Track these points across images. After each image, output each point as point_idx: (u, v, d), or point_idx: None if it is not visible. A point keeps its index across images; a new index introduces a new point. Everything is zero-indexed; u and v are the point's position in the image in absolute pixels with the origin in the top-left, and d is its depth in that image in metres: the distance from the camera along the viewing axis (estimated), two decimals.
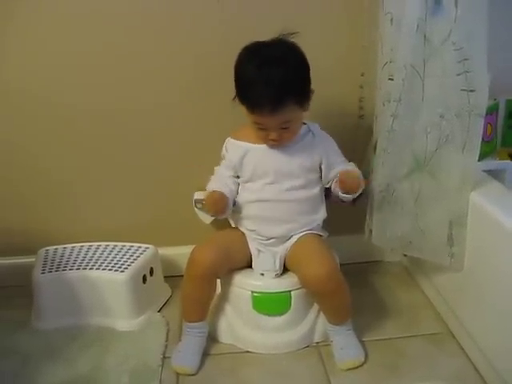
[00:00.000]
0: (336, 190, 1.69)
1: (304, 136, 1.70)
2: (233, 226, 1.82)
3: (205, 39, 1.85)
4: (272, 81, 1.53)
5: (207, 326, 1.72)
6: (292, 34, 1.60)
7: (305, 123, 1.72)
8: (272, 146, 1.67)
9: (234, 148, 1.73)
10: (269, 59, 1.57)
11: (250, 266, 1.74)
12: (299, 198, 1.70)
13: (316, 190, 1.73)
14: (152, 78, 1.90)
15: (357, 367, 1.64)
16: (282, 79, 1.54)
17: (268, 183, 1.69)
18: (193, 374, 1.63)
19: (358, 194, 1.67)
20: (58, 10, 1.81)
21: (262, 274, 1.71)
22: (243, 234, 1.76)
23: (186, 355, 1.66)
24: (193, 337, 1.69)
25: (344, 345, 1.67)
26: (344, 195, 1.66)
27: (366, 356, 1.67)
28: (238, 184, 1.74)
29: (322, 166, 1.71)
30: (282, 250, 1.72)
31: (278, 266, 1.71)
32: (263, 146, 1.69)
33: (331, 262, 1.64)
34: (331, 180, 1.71)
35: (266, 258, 1.72)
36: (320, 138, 1.71)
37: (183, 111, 1.93)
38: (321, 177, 1.72)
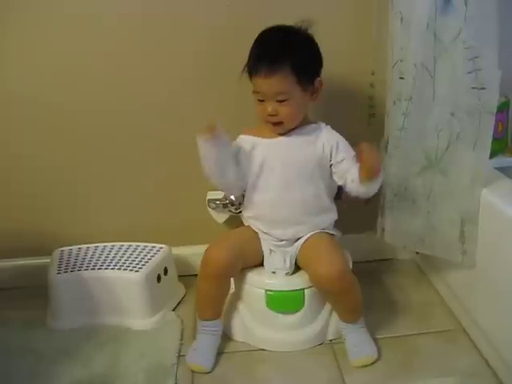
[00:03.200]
0: (351, 185, 1.65)
1: (313, 131, 1.71)
2: (245, 224, 1.83)
3: (209, 38, 1.87)
4: (271, 43, 1.62)
5: (222, 324, 1.73)
6: (308, 24, 1.65)
7: (315, 123, 1.73)
8: (280, 140, 1.68)
9: (244, 141, 1.74)
10: (276, 31, 1.64)
11: (262, 264, 1.75)
12: (309, 199, 1.70)
13: (325, 190, 1.73)
14: (160, 76, 1.92)
15: (370, 364, 1.64)
16: (280, 43, 1.61)
17: (278, 182, 1.69)
18: (208, 372, 1.64)
19: (376, 183, 1.61)
20: (54, 12, 1.83)
21: (274, 272, 1.72)
22: (256, 232, 1.78)
23: (200, 353, 1.67)
24: (207, 335, 1.70)
25: (357, 342, 1.68)
26: (362, 185, 1.60)
27: (379, 353, 1.68)
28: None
29: (332, 162, 1.70)
30: (293, 249, 1.73)
31: (288, 265, 1.72)
32: (272, 140, 1.69)
33: (341, 261, 1.64)
34: (343, 176, 1.68)
35: (277, 257, 1.73)
36: (328, 134, 1.71)
37: (196, 109, 1.94)
38: (331, 175, 1.72)
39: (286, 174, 1.69)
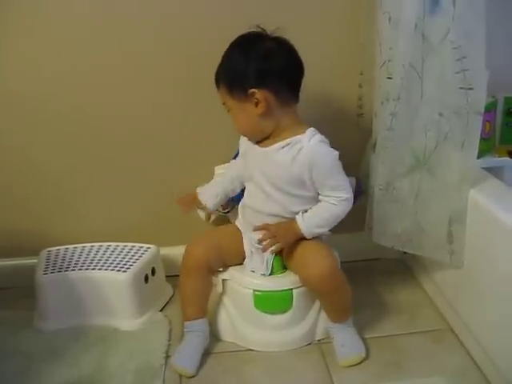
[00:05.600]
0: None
1: (294, 146, 1.61)
2: (235, 221, 1.83)
3: (203, 38, 1.86)
4: (222, 58, 1.63)
5: (207, 324, 1.72)
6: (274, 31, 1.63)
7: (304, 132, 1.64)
8: (261, 151, 1.66)
9: (243, 141, 1.76)
10: (233, 43, 1.64)
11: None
12: (291, 212, 1.67)
13: (313, 202, 1.67)
14: (151, 78, 1.91)
15: (358, 363, 1.64)
16: (224, 56, 1.63)
17: (259, 192, 1.68)
18: (191, 376, 1.63)
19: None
20: (54, 14, 1.83)
21: (253, 271, 1.72)
22: (240, 231, 1.78)
23: (185, 356, 1.66)
24: (193, 337, 1.69)
25: (345, 342, 1.68)
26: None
27: (367, 352, 1.68)
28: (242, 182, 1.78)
29: (312, 186, 1.64)
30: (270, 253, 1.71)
31: (264, 268, 1.70)
32: (257, 149, 1.68)
33: (332, 261, 1.64)
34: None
35: (256, 259, 1.72)
36: (308, 152, 1.60)
37: (183, 111, 1.94)
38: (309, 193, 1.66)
39: (265, 186, 1.66)
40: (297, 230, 1.65)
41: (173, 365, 1.66)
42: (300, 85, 1.65)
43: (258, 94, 1.58)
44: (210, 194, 1.81)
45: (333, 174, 1.63)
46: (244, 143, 1.75)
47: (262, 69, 1.58)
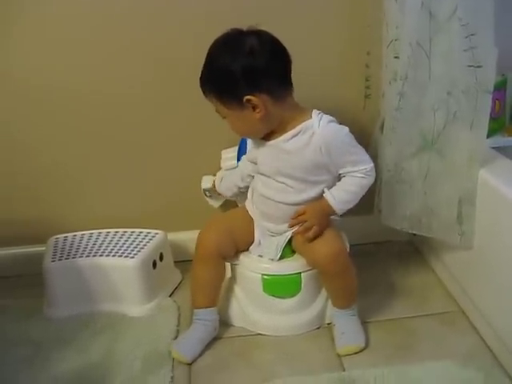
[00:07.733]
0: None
1: (302, 134, 1.59)
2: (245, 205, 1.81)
3: (207, 22, 1.84)
4: (204, 64, 1.58)
5: (216, 313, 1.71)
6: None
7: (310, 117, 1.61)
8: (269, 144, 1.63)
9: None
10: (212, 47, 1.58)
11: None
12: (299, 202, 1.65)
13: (318, 193, 1.65)
14: (159, 63, 1.90)
15: (356, 353, 1.62)
16: (205, 66, 1.57)
17: (274, 181, 1.65)
18: (188, 364, 1.62)
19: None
20: (57, 2, 1.82)
21: (261, 256, 1.71)
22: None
23: (187, 344, 1.66)
24: (200, 326, 1.68)
25: (345, 329, 1.66)
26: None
27: (367, 342, 1.65)
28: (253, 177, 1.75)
29: (334, 167, 1.62)
30: (282, 238, 1.71)
31: (273, 253, 1.69)
32: (267, 144, 1.64)
33: (339, 242, 1.64)
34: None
35: (265, 245, 1.72)
36: (322, 137, 1.57)
37: (190, 95, 1.92)
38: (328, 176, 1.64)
39: (282, 178, 1.63)
40: (328, 209, 1.62)
41: (173, 348, 1.65)
42: (290, 73, 1.58)
43: (255, 99, 1.52)
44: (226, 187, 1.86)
45: (351, 150, 1.59)
46: (252, 141, 1.73)
47: (251, 71, 1.51)
